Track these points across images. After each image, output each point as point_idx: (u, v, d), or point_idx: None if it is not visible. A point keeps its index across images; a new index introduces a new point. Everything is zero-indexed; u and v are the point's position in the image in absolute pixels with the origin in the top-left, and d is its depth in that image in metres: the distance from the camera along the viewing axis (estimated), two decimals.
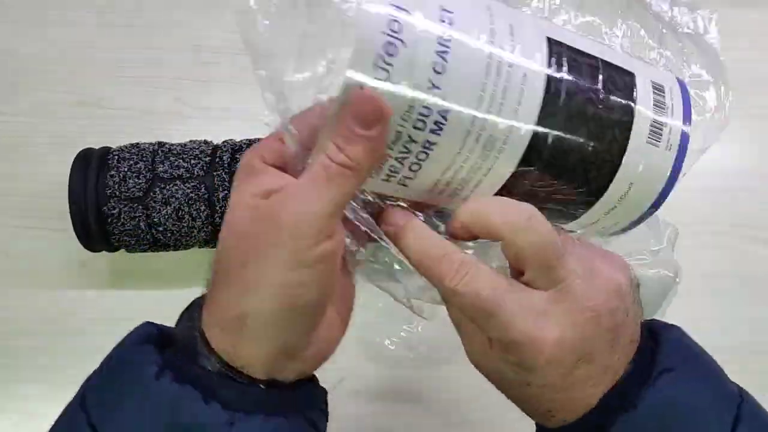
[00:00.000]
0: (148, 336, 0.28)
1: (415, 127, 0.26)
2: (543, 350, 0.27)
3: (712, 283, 0.57)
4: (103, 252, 0.51)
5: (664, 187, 0.32)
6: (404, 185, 0.29)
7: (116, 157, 0.49)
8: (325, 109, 0.26)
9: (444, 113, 0.26)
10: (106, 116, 0.59)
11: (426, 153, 0.27)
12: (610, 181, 0.30)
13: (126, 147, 0.51)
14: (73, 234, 0.49)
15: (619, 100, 0.30)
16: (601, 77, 0.30)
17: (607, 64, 0.30)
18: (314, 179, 0.26)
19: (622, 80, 0.30)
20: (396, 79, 0.25)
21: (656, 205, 0.32)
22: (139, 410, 0.25)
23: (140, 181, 0.48)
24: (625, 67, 0.31)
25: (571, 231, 0.34)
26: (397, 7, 0.25)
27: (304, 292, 0.26)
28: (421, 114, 0.26)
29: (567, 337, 0.27)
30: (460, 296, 0.28)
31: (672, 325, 0.31)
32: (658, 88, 0.32)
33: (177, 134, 0.53)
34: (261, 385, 0.27)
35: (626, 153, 0.30)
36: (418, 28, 0.25)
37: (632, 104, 0.30)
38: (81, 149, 0.51)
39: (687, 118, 0.32)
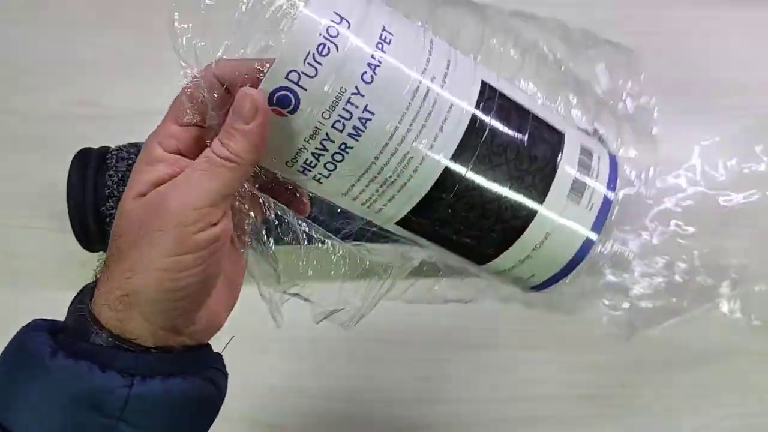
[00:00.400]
0: (38, 327, 0.29)
1: (333, 127, 0.28)
2: None
3: None
4: (102, 252, 0.51)
5: (582, 245, 0.33)
6: (320, 182, 0.30)
7: (115, 156, 0.49)
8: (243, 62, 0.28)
9: (364, 120, 0.28)
10: (106, 116, 0.59)
11: (342, 155, 0.29)
12: (526, 225, 0.31)
13: (125, 146, 0.50)
14: (73, 234, 0.49)
15: (543, 150, 0.31)
16: (529, 127, 0.31)
17: (539, 119, 0.32)
18: (199, 170, 0.28)
19: (550, 135, 0.32)
20: (323, 77, 0.27)
21: (574, 261, 0.33)
22: (40, 391, 0.26)
23: None
24: (555, 126, 0.32)
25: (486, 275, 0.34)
26: (340, 16, 0.27)
27: (186, 276, 0.28)
28: (341, 116, 0.28)
29: None
30: None
31: None
32: (586, 151, 0.33)
33: None
34: (153, 350, 0.28)
35: (545, 201, 0.31)
36: (353, 40, 0.27)
37: (556, 157, 0.32)
38: (80, 149, 0.51)
39: (612, 185, 0.33)
